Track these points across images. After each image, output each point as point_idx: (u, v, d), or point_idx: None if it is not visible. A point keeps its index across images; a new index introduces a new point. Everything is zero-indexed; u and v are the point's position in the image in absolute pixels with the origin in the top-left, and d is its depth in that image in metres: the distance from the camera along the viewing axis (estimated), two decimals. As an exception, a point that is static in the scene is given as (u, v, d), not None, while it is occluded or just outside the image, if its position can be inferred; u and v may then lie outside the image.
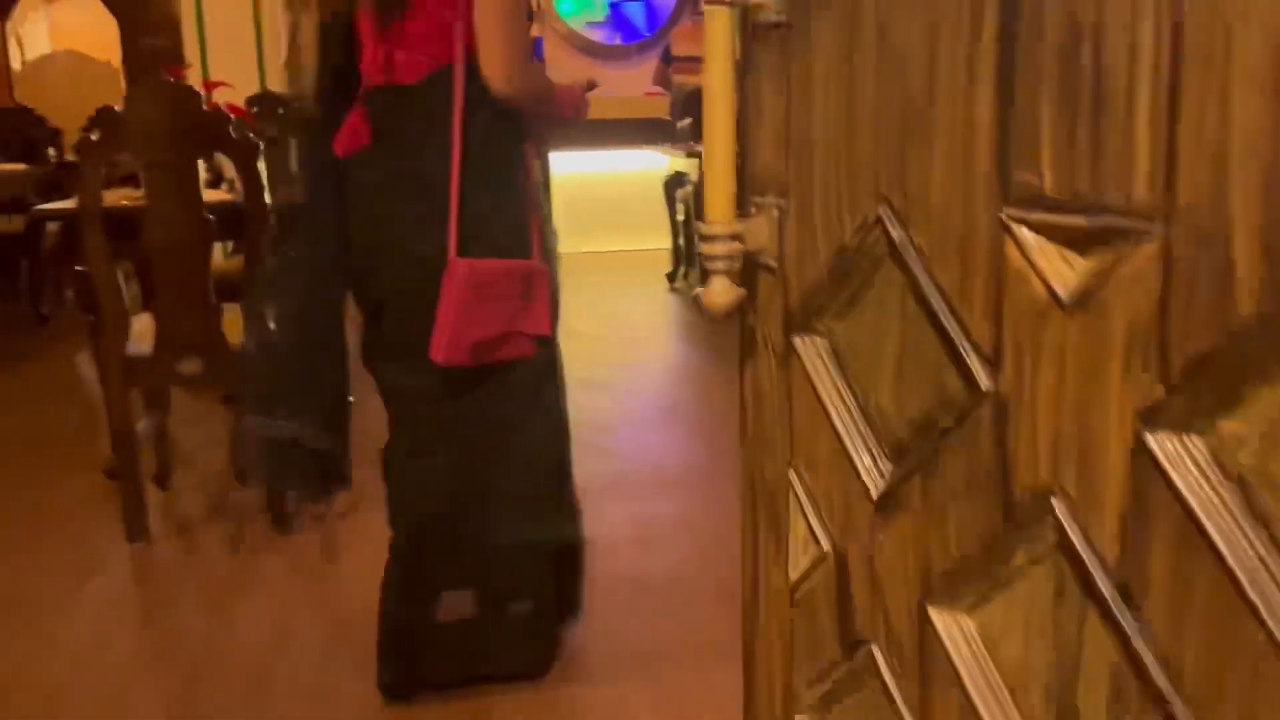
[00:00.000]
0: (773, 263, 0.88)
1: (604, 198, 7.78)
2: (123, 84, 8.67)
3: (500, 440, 1.78)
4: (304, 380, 1.79)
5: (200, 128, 2.42)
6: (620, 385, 4.12)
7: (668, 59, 6.58)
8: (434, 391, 1.70)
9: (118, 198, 2.87)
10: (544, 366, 1.82)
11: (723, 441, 3.21)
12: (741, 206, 0.89)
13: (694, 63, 6.64)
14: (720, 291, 0.86)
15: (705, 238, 0.86)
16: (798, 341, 0.87)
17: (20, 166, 5.39)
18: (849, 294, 0.82)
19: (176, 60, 4.29)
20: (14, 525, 2.79)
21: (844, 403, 0.83)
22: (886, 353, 0.79)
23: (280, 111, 4.10)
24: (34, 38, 9.31)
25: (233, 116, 3.36)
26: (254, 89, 4.32)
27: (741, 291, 0.87)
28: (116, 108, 2.39)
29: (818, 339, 0.86)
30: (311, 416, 1.77)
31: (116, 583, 2.46)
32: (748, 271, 0.90)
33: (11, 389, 4.24)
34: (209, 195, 2.73)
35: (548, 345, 1.80)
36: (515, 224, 1.70)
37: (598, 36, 9.15)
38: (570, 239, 7.85)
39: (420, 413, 1.75)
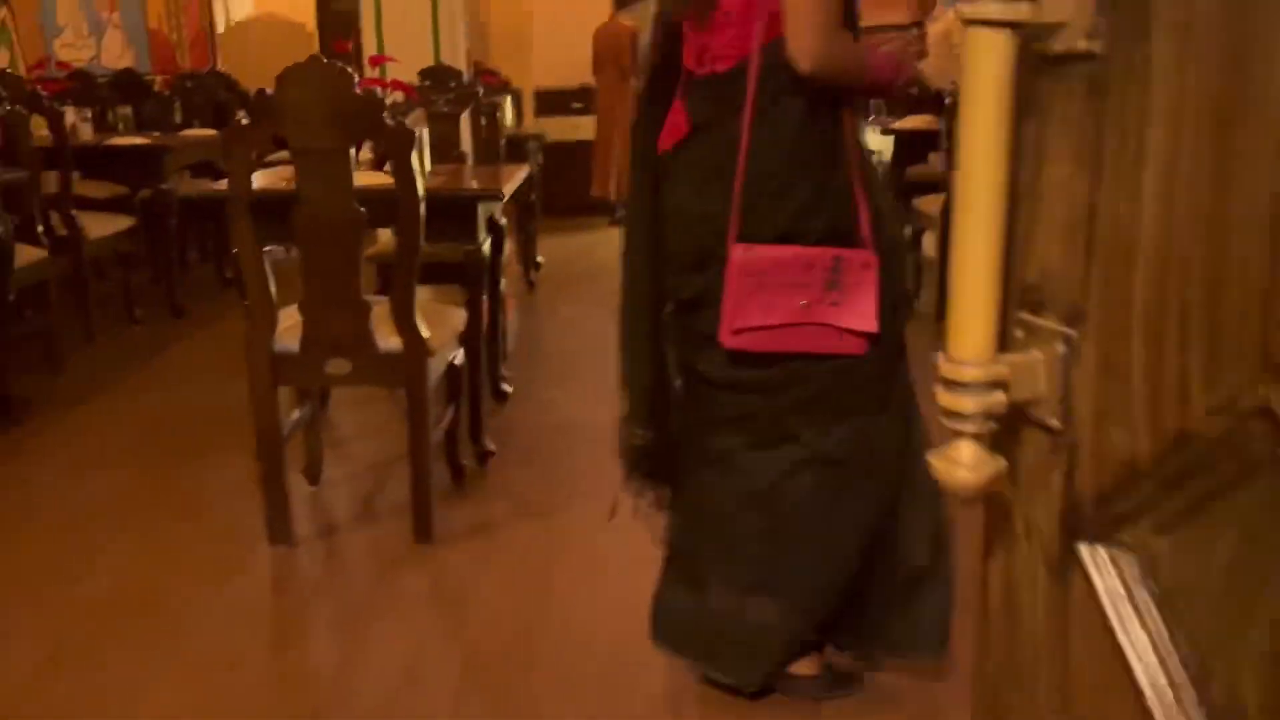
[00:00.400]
0: (1053, 422, 0.58)
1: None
2: (316, 46, 8.86)
3: (845, 440, 1.69)
4: (627, 374, 1.84)
5: (353, 113, 2.25)
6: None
7: (854, 29, 6.07)
8: (748, 383, 1.68)
9: (279, 177, 2.74)
10: (877, 367, 1.68)
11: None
12: (1002, 327, 0.59)
13: (882, 34, 6.09)
14: (971, 463, 0.56)
15: (950, 383, 0.56)
16: (1085, 551, 0.56)
17: (209, 132, 5.50)
18: (1188, 501, 0.51)
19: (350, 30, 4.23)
20: (161, 510, 2.74)
21: (1163, 665, 0.52)
22: (1255, 610, 0.47)
23: (452, 85, 3.94)
24: (240, 0, 9.63)
25: (392, 95, 3.22)
26: (428, 63, 4.18)
27: (1001, 464, 0.57)
28: (268, 90, 2.25)
29: (1123, 554, 0.55)
30: (634, 409, 1.82)
31: (253, 590, 2.35)
32: (1006, 419, 0.60)
33: (192, 355, 4.30)
34: (370, 179, 2.57)
35: (883, 342, 1.65)
36: (832, 208, 1.62)
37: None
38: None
39: (740, 402, 1.71)
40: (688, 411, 1.81)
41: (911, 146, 5.22)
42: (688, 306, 1.73)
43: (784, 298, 1.58)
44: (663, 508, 1.90)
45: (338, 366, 2.42)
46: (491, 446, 3.06)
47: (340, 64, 2.25)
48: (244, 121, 2.26)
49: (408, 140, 2.28)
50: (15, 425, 3.38)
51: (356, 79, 2.26)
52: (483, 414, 3.06)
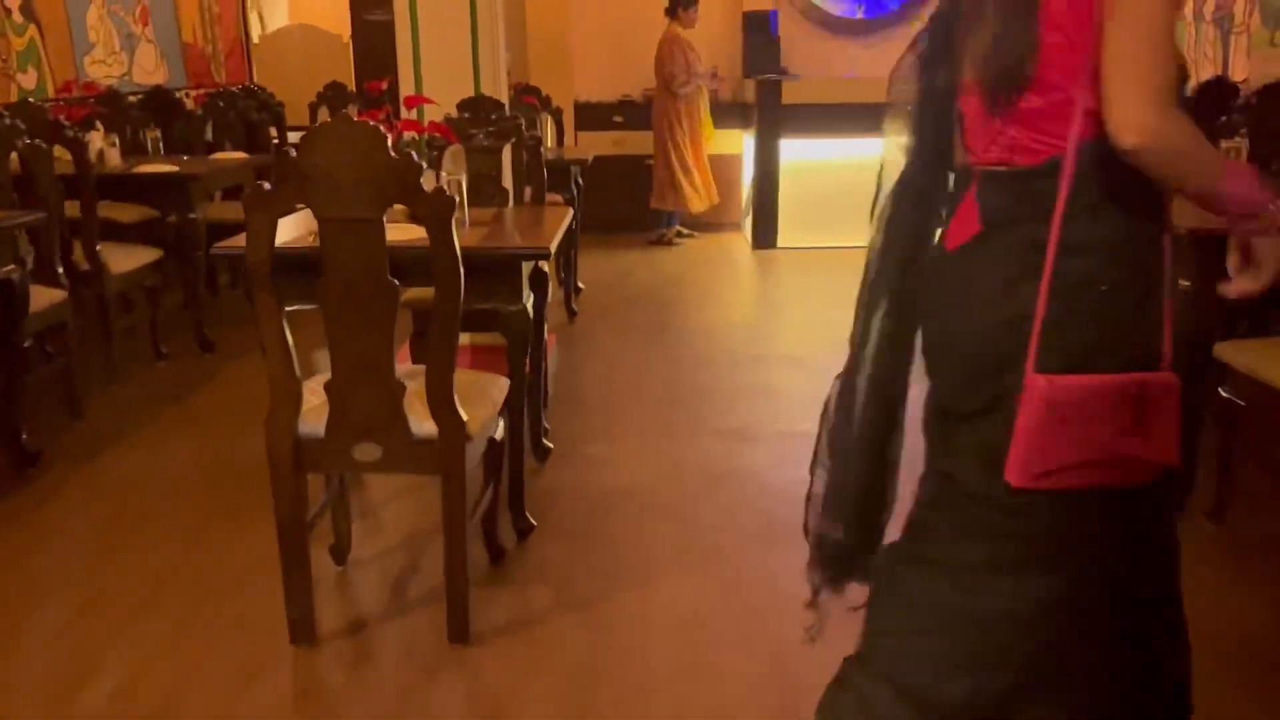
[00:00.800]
0: None
1: (834, 190, 7.11)
2: (350, 57, 8.70)
3: (1097, 578, 1.48)
4: (841, 469, 1.68)
5: (386, 178, 2.02)
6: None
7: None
8: (1015, 506, 1.46)
9: (309, 230, 2.52)
10: (1155, 500, 1.49)
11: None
12: None
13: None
14: None
15: None
16: None
17: (240, 156, 5.32)
18: None
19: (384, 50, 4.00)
20: (181, 592, 2.54)
21: None
22: None
23: (493, 117, 3.72)
24: (274, 11, 9.50)
25: (427, 147, 3.00)
26: (467, 92, 3.96)
27: None
28: (293, 152, 2.03)
29: None
30: (838, 505, 1.68)
31: (271, 699, 2.14)
32: None
33: (220, 397, 4.11)
34: (403, 232, 2.36)
35: (1169, 476, 1.48)
36: (1146, 329, 1.42)
37: (838, 10, 8.43)
38: (797, 233, 7.33)
39: (990, 520, 1.50)
40: (924, 510, 1.60)
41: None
42: (959, 416, 1.53)
43: (1091, 432, 1.38)
44: (857, 608, 1.68)
45: (367, 452, 2.20)
46: (533, 520, 2.83)
47: (371, 124, 2.03)
48: (265, 187, 2.04)
49: (448, 208, 2.05)
50: (31, 481, 3.19)
51: (390, 139, 2.03)
52: (523, 482, 2.83)
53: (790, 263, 6.91)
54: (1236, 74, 4.60)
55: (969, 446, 1.51)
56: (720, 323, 5.54)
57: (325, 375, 2.21)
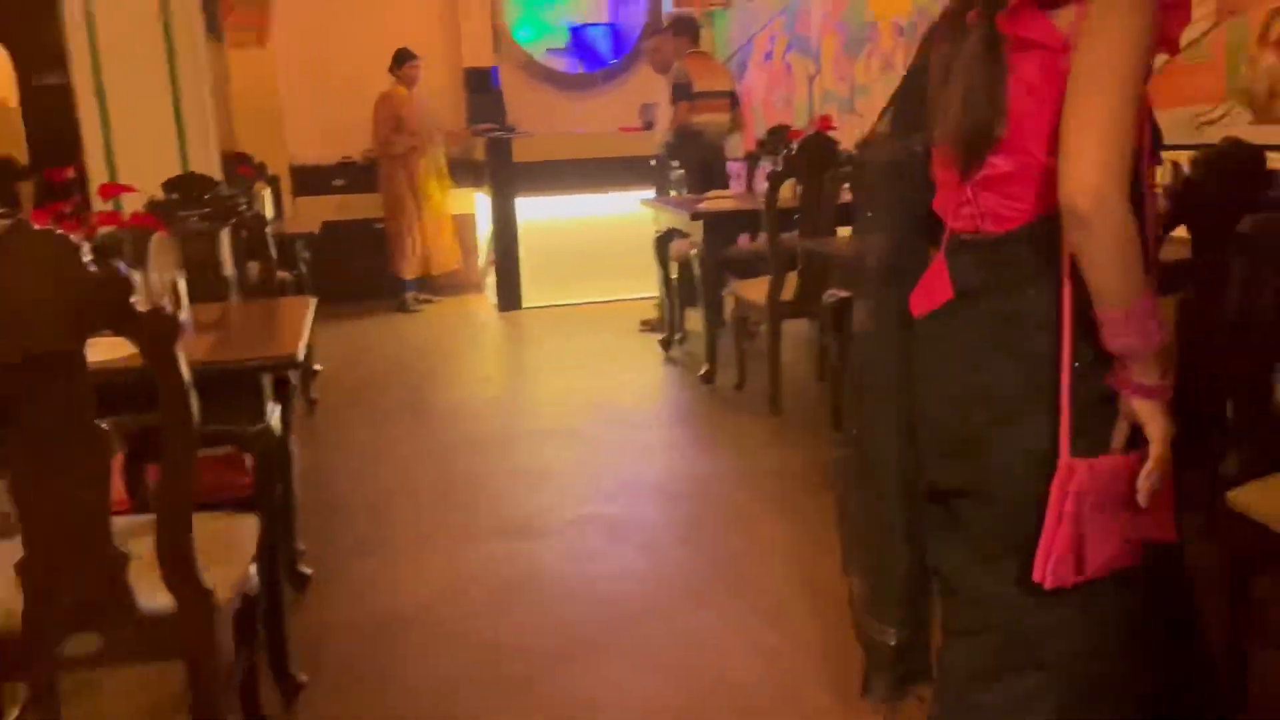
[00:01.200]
0: None
1: (574, 246, 6.99)
2: (20, 125, 7.66)
3: (1100, 669, 1.43)
4: (872, 563, 1.60)
5: (86, 299, 1.58)
6: (631, 516, 3.33)
7: (687, 95, 5.75)
8: (1018, 600, 1.41)
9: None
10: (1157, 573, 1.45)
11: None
12: None
13: (718, 99, 5.85)
14: None
15: None
16: None
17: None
18: None
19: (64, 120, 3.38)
20: None
21: None
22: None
23: (207, 197, 3.24)
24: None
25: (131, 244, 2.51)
26: (173, 170, 3.43)
27: None
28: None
29: None
30: (883, 605, 1.58)
31: None
32: None
33: None
34: (109, 352, 1.90)
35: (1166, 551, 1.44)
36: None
37: (558, 65, 8.36)
38: (541, 292, 7.10)
39: (996, 622, 1.46)
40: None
41: (720, 229, 4.90)
42: (945, 495, 1.49)
43: (1111, 517, 1.33)
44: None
45: (81, 644, 1.72)
46: (300, 676, 2.39)
47: (59, 233, 1.58)
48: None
49: (170, 332, 1.63)
50: None
51: (86, 250, 1.59)
52: (286, 632, 2.38)
53: (539, 323, 6.69)
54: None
55: (950, 530, 1.48)
56: (481, 397, 5.20)
57: (14, 549, 1.71)
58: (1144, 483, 1.31)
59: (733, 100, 6.06)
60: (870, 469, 1.56)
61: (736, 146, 6.45)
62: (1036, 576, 1.33)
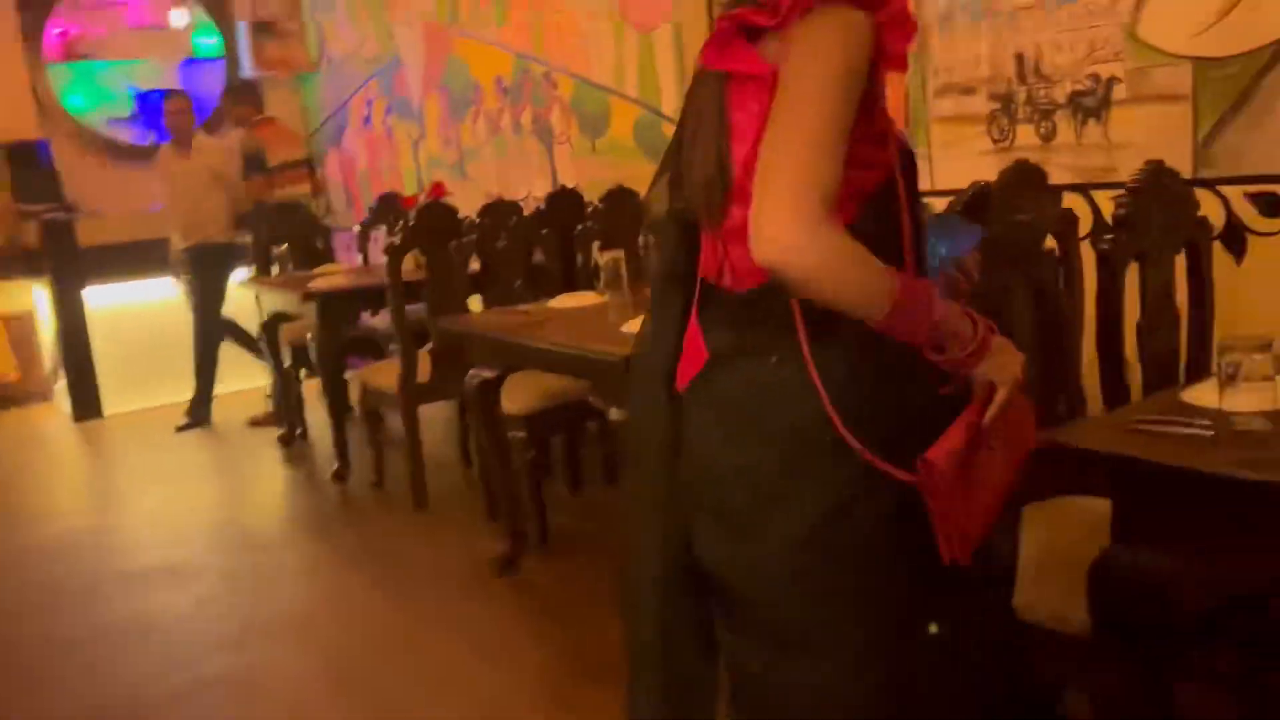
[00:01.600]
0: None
1: (159, 339, 6.06)
2: None
3: None
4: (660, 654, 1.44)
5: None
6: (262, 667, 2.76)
7: (262, 168, 5.21)
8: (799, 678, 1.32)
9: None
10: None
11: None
12: None
13: (296, 170, 5.34)
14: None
15: None
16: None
17: None
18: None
19: None
20: None
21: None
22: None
23: None
24: None
25: None
26: None
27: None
28: None
29: None
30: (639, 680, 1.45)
31: None
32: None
33: None
34: None
35: None
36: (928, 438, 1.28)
37: (126, 135, 7.39)
38: (124, 395, 6.10)
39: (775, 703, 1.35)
40: None
41: (337, 308, 4.40)
42: (713, 584, 1.37)
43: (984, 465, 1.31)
44: None
45: None
46: None
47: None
48: None
49: None
50: None
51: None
52: None
53: (123, 433, 5.78)
54: (567, 182, 4.75)
55: (758, 630, 1.34)
56: (65, 533, 4.23)
57: None
58: (991, 416, 1.26)
59: (310, 168, 5.74)
60: (636, 550, 1.46)
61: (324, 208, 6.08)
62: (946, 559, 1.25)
